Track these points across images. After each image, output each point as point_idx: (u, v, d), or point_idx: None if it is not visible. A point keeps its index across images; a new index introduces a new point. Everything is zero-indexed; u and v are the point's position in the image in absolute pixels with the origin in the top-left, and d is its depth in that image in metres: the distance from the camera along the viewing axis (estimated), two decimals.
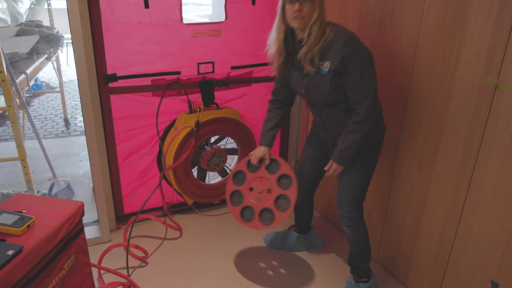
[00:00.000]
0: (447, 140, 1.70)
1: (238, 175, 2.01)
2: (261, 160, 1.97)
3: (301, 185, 1.97)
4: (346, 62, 1.55)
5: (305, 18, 1.54)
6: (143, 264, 2.15)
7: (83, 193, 2.93)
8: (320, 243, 2.31)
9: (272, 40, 1.69)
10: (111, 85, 2.19)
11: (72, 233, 1.43)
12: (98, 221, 2.36)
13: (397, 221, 2.02)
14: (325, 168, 1.77)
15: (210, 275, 2.09)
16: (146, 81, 2.28)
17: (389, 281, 2.08)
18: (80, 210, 1.48)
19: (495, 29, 1.44)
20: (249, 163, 1.99)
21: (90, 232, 2.36)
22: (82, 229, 1.51)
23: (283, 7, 1.59)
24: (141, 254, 2.19)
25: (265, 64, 2.58)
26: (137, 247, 2.18)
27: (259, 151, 1.96)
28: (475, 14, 1.50)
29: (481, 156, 1.57)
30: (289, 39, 1.66)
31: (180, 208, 2.66)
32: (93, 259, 2.06)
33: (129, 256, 2.14)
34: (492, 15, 1.44)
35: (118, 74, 2.19)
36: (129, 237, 2.13)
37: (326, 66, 1.58)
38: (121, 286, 1.88)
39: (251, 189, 1.96)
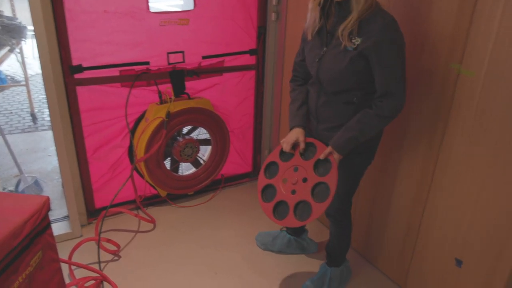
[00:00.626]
0: (414, 125, 1.74)
1: (270, 167, 1.76)
2: (295, 146, 1.69)
3: None
4: (381, 48, 1.39)
5: None
6: (116, 258, 2.12)
7: (52, 188, 2.85)
8: (313, 248, 2.20)
9: (311, 1, 1.53)
10: (77, 76, 2.12)
11: (38, 228, 1.38)
12: (68, 216, 2.30)
13: (367, 207, 2.06)
14: (321, 157, 1.58)
15: (185, 266, 2.08)
16: (114, 72, 2.22)
17: (361, 265, 2.14)
18: (45, 205, 1.43)
19: (457, 16, 1.48)
20: (281, 152, 1.73)
21: (60, 228, 2.30)
22: (49, 225, 1.47)
23: None
24: (113, 247, 2.15)
25: (237, 53, 2.56)
26: (108, 240, 2.15)
27: (291, 135, 1.67)
28: (439, 1, 1.53)
29: (445, 141, 1.62)
30: (326, 6, 1.48)
31: (153, 201, 2.63)
32: (64, 255, 2.03)
33: (101, 250, 2.11)
34: (455, 2, 1.48)
35: (84, 65, 2.12)
36: (100, 231, 2.09)
37: (355, 42, 1.41)
38: (93, 281, 1.85)
39: (284, 180, 1.68)
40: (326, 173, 1.57)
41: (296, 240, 2.18)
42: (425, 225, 1.78)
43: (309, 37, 1.60)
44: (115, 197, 2.24)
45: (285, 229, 2.22)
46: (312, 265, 2.11)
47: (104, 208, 2.38)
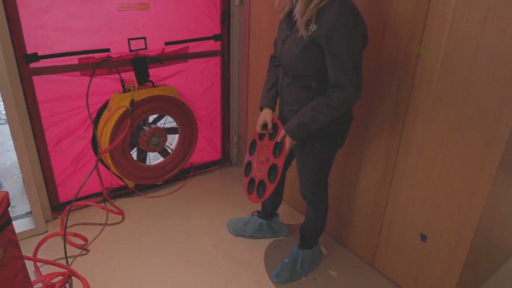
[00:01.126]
0: (378, 108, 1.77)
1: (252, 145, 1.86)
2: (266, 126, 1.76)
3: None
4: (333, 38, 1.36)
5: None
6: (84, 252, 2.07)
7: (13, 184, 2.72)
8: (284, 231, 2.23)
9: None
10: (32, 65, 2.01)
11: None
12: (31, 212, 2.21)
13: (336, 190, 2.10)
14: (278, 140, 1.63)
15: (156, 256, 2.06)
16: (73, 60, 2.12)
17: (332, 245, 2.19)
18: (4, 201, 1.37)
19: None
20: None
21: (23, 225, 2.21)
22: (9, 221, 1.41)
23: None
24: (80, 242, 2.09)
25: (201, 39, 2.51)
26: (75, 235, 2.09)
27: (260, 117, 1.75)
28: None
29: (407, 121, 1.66)
30: None
31: (121, 192, 2.57)
32: (28, 252, 1.96)
33: (68, 245, 2.05)
34: None
35: (40, 53, 2.01)
36: (66, 225, 2.02)
37: (311, 29, 1.40)
38: (61, 277, 1.79)
39: (258, 158, 1.79)
40: (279, 155, 1.66)
41: (268, 224, 2.19)
42: (391, 204, 1.83)
43: (281, 17, 1.61)
44: (79, 190, 2.17)
45: (256, 213, 2.23)
46: (284, 248, 2.14)
47: (70, 202, 2.30)
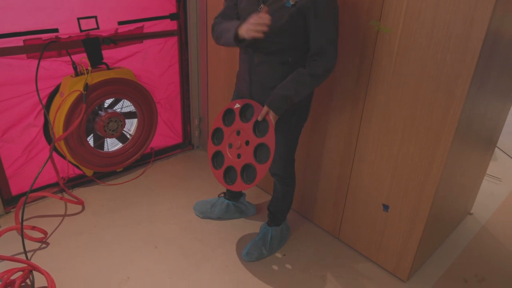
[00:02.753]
0: (340, 83, 1.81)
1: (216, 134, 1.77)
2: (234, 111, 1.68)
3: None
4: (319, 6, 1.42)
5: None
6: (44, 245, 1.97)
7: None
8: (251, 211, 2.25)
9: None
10: None
11: None
12: None
13: (301, 166, 2.14)
14: (259, 118, 1.58)
15: (122, 244, 2.00)
16: (17, 42, 1.96)
17: (299, 221, 2.24)
18: None
19: None
20: (224, 117, 1.73)
21: None
22: None
23: None
24: (39, 235, 1.99)
25: (156, 18, 2.41)
26: (33, 228, 1.97)
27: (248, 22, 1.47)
28: None
29: (368, 95, 1.71)
30: None
31: (79, 181, 2.45)
32: None
33: (27, 240, 1.94)
34: None
35: None
36: (22, 219, 1.91)
37: None
38: (21, 272, 1.70)
39: (230, 145, 1.70)
40: (264, 133, 1.60)
41: (235, 204, 2.20)
42: (354, 176, 1.89)
43: None
44: (34, 181, 2.04)
45: (222, 195, 2.23)
46: (252, 227, 2.16)
47: (24, 194, 2.17)
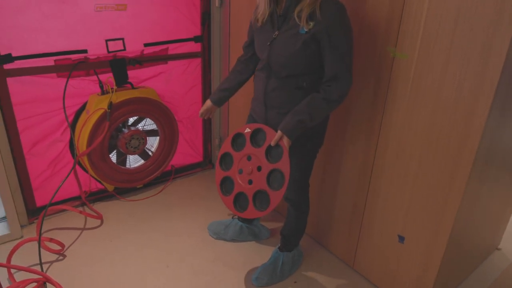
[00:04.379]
0: (356, 108, 1.78)
1: (225, 158, 1.72)
2: (244, 135, 1.68)
3: None
4: (333, 32, 1.42)
5: None
6: (61, 257, 2.02)
7: None
8: (265, 234, 2.22)
9: None
10: (6, 66, 1.97)
11: None
12: (5, 217, 2.16)
13: (316, 191, 2.10)
14: (272, 143, 1.55)
15: (135, 260, 2.02)
16: (48, 61, 2.08)
17: (312, 247, 2.18)
18: None
19: (390, 1, 1.51)
20: (233, 142, 1.70)
21: None
22: None
23: None
24: (57, 247, 2.05)
25: (181, 41, 2.49)
26: (51, 240, 2.04)
27: (205, 104, 1.92)
28: None
29: (384, 121, 1.67)
30: None
31: (100, 196, 2.53)
32: (2, 258, 1.91)
33: (44, 251, 2.00)
34: None
35: (14, 54, 1.97)
36: (40, 230, 1.98)
37: (308, 26, 1.44)
38: (35, 283, 1.75)
39: (240, 171, 1.65)
40: (278, 159, 1.55)
41: (248, 227, 2.18)
42: (370, 205, 1.84)
43: (259, 23, 1.59)
44: (55, 194, 2.13)
45: (236, 216, 2.22)
46: (264, 251, 2.13)
47: (51, 204, 2.25)
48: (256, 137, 1.64)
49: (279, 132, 1.54)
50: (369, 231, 1.88)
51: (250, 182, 1.61)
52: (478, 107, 1.34)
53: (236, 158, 1.67)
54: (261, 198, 1.58)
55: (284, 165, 1.52)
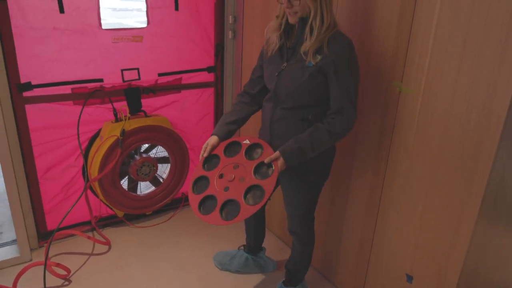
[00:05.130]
0: (362, 143, 1.76)
1: (210, 160, 1.66)
2: (240, 144, 1.65)
3: None
4: (339, 66, 1.44)
5: (297, 13, 1.45)
6: (66, 283, 2.03)
7: (4, 210, 2.72)
8: (270, 267, 2.16)
9: (271, 25, 1.59)
10: (25, 94, 2.05)
11: None
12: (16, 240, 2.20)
13: (323, 224, 2.06)
14: (266, 161, 1.53)
15: None
16: (66, 90, 2.17)
17: (318, 281, 2.12)
18: None
19: (397, 36, 1.52)
20: (227, 147, 1.67)
21: (8, 252, 2.20)
22: None
23: None
24: (63, 272, 2.06)
25: (195, 71, 2.55)
26: (57, 265, 2.06)
27: (208, 141, 1.69)
28: (379, 21, 1.58)
29: (391, 157, 1.64)
30: (286, 27, 1.56)
31: (110, 221, 2.55)
32: (9, 281, 1.93)
33: (50, 276, 2.02)
34: (393, 22, 1.52)
35: (33, 83, 2.06)
36: (47, 255, 2.00)
37: (315, 59, 1.47)
38: None
39: (221, 175, 1.59)
40: (265, 177, 1.51)
41: (254, 259, 2.14)
42: (377, 241, 1.78)
43: (269, 54, 1.63)
44: (63, 219, 2.16)
45: (242, 248, 2.19)
46: (270, 284, 2.08)
47: (58, 229, 2.29)
48: (251, 151, 1.63)
49: (277, 152, 1.53)
50: (376, 267, 1.81)
51: (226, 189, 1.54)
52: (485, 142, 1.31)
53: (222, 163, 1.63)
54: (230, 208, 1.50)
55: (268, 184, 1.49)
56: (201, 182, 1.63)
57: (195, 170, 1.67)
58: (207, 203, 1.55)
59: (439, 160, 1.45)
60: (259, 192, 1.50)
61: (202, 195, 1.57)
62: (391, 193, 1.67)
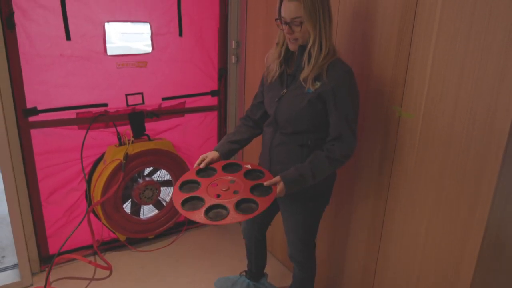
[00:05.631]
0: (363, 168, 1.74)
1: (207, 170, 1.62)
2: (239, 167, 1.63)
3: (250, 227, 1.90)
4: (339, 93, 1.45)
5: (297, 40, 1.47)
6: None
7: (8, 233, 2.72)
8: None
9: (271, 53, 1.61)
10: (31, 119, 2.09)
11: None
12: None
13: (325, 251, 2.02)
14: (265, 183, 1.50)
15: None
16: (71, 114, 2.20)
17: None
18: None
19: (395, 61, 1.53)
20: (226, 165, 1.64)
21: (9, 277, 2.20)
22: None
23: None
24: None
25: (198, 95, 2.58)
26: None
27: (207, 154, 1.66)
28: (377, 48, 1.59)
29: (392, 182, 1.62)
30: (286, 54, 1.58)
31: (112, 245, 2.54)
32: None
33: None
34: (391, 48, 1.53)
35: (39, 108, 2.10)
36: (47, 280, 1.99)
37: (314, 86, 1.48)
38: None
39: (214, 184, 1.55)
40: (261, 195, 1.47)
41: (255, 285, 2.10)
42: (380, 269, 1.74)
43: (269, 81, 1.64)
44: (64, 243, 2.16)
45: (243, 273, 2.15)
46: None
47: (60, 254, 2.28)
48: (251, 174, 1.60)
49: (277, 177, 1.51)
50: None
51: (218, 196, 1.48)
52: (486, 169, 1.28)
53: (219, 174, 1.59)
54: (217, 211, 1.42)
55: (263, 202, 1.43)
56: (190, 185, 1.56)
57: (186, 173, 1.61)
58: (193, 202, 1.47)
59: (441, 185, 1.43)
60: (253, 205, 1.44)
61: (189, 194, 1.49)
62: (393, 220, 1.64)
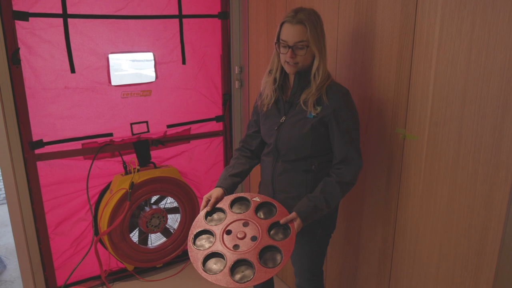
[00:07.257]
0: (370, 192, 1.70)
1: (216, 213, 1.51)
2: (249, 201, 1.53)
3: None
4: (340, 115, 1.44)
5: (298, 64, 1.45)
6: None
7: (17, 266, 2.72)
8: None
9: (266, 80, 1.59)
10: (37, 151, 2.11)
11: None
12: None
13: (335, 277, 1.96)
14: (281, 221, 1.42)
15: None
16: (76, 145, 2.21)
17: None
18: None
19: (396, 82, 1.51)
20: (233, 202, 1.53)
21: None
22: None
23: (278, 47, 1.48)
24: None
25: (203, 121, 2.58)
26: None
27: (212, 193, 1.55)
28: (378, 69, 1.57)
29: (400, 204, 1.58)
30: (281, 79, 1.56)
31: (121, 275, 2.51)
32: None
33: None
34: (392, 70, 1.51)
35: (45, 140, 2.12)
36: None
37: (315, 110, 1.46)
38: None
39: (228, 232, 1.43)
40: (282, 238, 1.38)
41: None
42: None
43: (265, 109, 1.62)
44: (71, 274, 2.14)
45: None
46: None
47: (67, 286, 2.26)
48: (263, 210, 1.50)
49: (293, 213, 1.45)
50: None
51: (235, 247, 1.38)
52: (497, 192, 1.24)
53: (229, 217, 1.47)
54: (242, 269, 1.32)
55: (287, 246, 1.35)
56: (203, 236, 1.45)
57: (195, 222, 1.49)
58: (213, 261, 1.37)
59: (451, 209, 1.38)
60: (277, 254, 1.35)
61: (206, 251, 1.38)
62: (404, 244, 1.58)
